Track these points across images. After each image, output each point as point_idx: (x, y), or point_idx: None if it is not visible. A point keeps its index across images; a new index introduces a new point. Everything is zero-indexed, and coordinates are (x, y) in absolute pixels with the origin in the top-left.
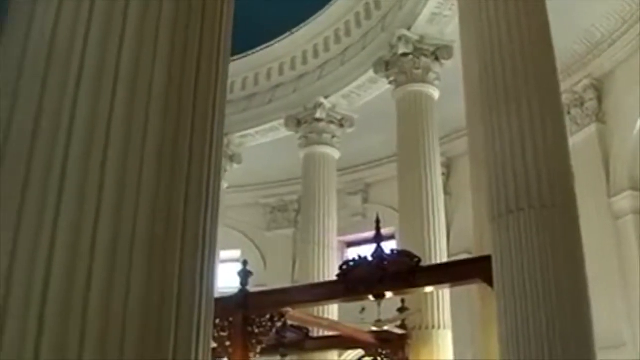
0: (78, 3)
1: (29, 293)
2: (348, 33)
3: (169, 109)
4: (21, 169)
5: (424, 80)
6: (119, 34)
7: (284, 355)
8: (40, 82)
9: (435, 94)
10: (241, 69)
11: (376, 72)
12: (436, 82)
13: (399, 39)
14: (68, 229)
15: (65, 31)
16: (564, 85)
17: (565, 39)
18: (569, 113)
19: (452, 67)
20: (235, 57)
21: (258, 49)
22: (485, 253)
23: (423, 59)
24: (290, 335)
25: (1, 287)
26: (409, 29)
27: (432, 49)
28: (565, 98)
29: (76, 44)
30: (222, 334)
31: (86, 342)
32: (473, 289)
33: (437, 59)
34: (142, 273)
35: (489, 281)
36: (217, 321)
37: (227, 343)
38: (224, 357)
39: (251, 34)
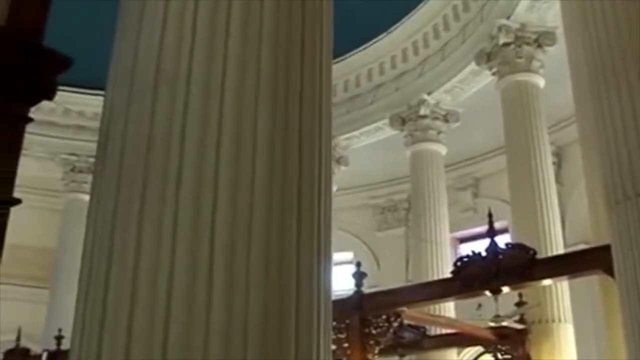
0: (180, 23)
1: (154, 294)
2: (447, 27)
3: (276, 113)
4: (139, 173)
5: (527, 69)
6: (223, 43)
7: (402, 356)
8: (151, 92)
9: (540, 82)
10: (342, 71)
11: (478, 64)
12: (540, 70)
13: (499, 29)
14: (187, 232)
15: (170, 49)
16: None
17: None
18: None
19: (557, 54)
20: (335, 60)
21: (357, 50)
22: (604, 242)
23: (525, 47)
24: (407, 335)
25: (128, 290)
26: (508, 18)
27: (533, 36)
28: None
29: (182, 61)
30: (340, 336)
31: (210, 342)
32: (593, 280)
33: (539, 46)
34: (260, 278)
35: (609, 272)
36: (334, 323)
37: (345, 345)
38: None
39: (349, 36)
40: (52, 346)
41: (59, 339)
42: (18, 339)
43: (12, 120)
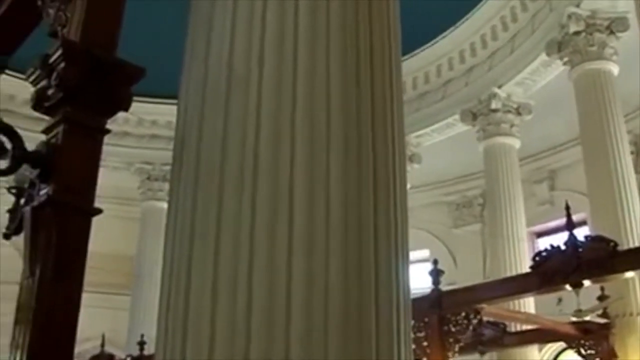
0: (249, 27)
1: (234, 299)
2: (514, 18)
3: (348, 113)
4: (215, 179)
5: (600, 57)
6: (292, 45)
7: (482, 353)
8: (224, 98)
9: (614, 69)
10: (410, 68)
11: (549, 54)
12: (614, 57)
13: (569, 17)
14: (264, 236)
15: (240, 53)
16: None
17: None
18: None
19: (630, 39)
20: (403, 58)
21: (424, 47)
22: None
23: (597, 34)
24: (487, 332)
25: (208, 296)
26: (578, 5)
27: (605, 23)
28: None
29: (253, 65)
30: (419, 334)
31: (291, 345)
32: None
33: (612, 32)
34: (339, 280)
35: None
36: (413, 322)
37: (425, 344)
38: (422, 359)
39: (416, 33)
40: (135, 352)
41: (141, 344)
42: (102, 345)
43: (91, 133)
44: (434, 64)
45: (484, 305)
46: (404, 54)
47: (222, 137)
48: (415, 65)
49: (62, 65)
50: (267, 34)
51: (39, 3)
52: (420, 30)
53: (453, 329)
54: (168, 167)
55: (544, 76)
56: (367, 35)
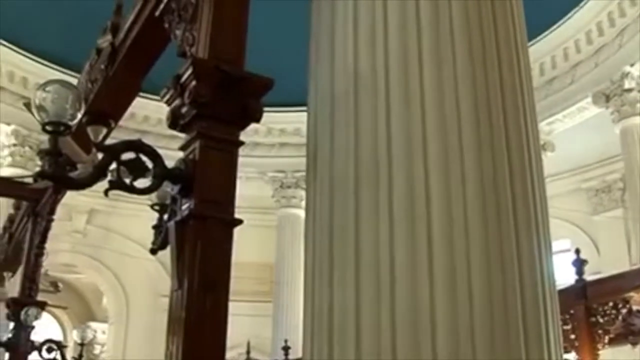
0: (372, 29)
1: (377, 301)
2: None
3: (478, 107)
4: (350, 183)
5: None
6: (416, 43)
7: (634, 344)
8: (352, 101)
9: None
10: (536, 55)
11: None
12: None
13: None
14: (403, 237)
15: (365, 56)
16: None
17: None
18: None
19: None
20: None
21: (549, 31)
22: None
23: None
24: (638, 322)
25: (352, 299)
26: None
27: None
28: None
29: (378, 67)
30: (565, 327)
31: (438, 343)
32: None
33: None
34: (482, 275)
35: None
36: None
37: (572, 336)
38: (570, 352)
39: (539, 17)
40: (280, 357)
41: (286, 349)
42: (248, 352)
43: (227, 146)
44: (561, 47)
45: (632, 294)
46: (528, 40)
47: (354, 140)
48: (541, 51)
49: (194, 83)
50: (389, 35)
51: (166, 26)
52: (543, 14)
53: (601, 320)
54: (300, 174)
55: None
56: (492, 25)
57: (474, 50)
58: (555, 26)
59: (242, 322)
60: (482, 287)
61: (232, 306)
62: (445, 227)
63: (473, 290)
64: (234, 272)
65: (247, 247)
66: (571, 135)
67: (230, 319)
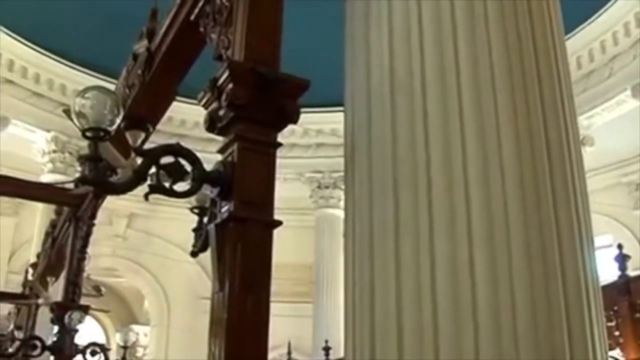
0: (407, 29)
1: (418, 300)
2: None
3: (516, 103)
4: (389, 183)
5: None
6: (452, 42)
7: None
8: (389, 101)
9: None
10: (573, 48)
11: None
12: None
13: None
14: (443, 235)
15: (400, 55)
16: None
17: None
18: None
19: None
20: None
21: (586, 23)
22: None
23: None
24: None
25: (393, 298)
26: None
27: None
28: None
29: (414, 66)
30: (609, 324)
31: (480, 342)
32: None
33: None
34: (524, 273)
35: None
36: None
37: (616, 333)
38: (614, 349)
39: (575, 10)
40: (321, 357)
41: (326, 349)
42: (289, 352)
43: (264, 148)
44: (598, 40)
45: None
46: (565, 33)
47: (391, 140)
48: (578, 45)
49: (230, 86)
50: (424, 34)
51: (201, 30)
52: (580, 7)
53: None
54: (337, 175)
55: None
56: (528, 20)
57: (510, 46)
58: (591, 19)
59: (283, 323)
60: (524, 286)
61: (272, 307)
62: (485, 226)
63: (515, 288)
64: (273, 274)
65: (285, 249)
66: (610, 129)
67: (271, 320)
